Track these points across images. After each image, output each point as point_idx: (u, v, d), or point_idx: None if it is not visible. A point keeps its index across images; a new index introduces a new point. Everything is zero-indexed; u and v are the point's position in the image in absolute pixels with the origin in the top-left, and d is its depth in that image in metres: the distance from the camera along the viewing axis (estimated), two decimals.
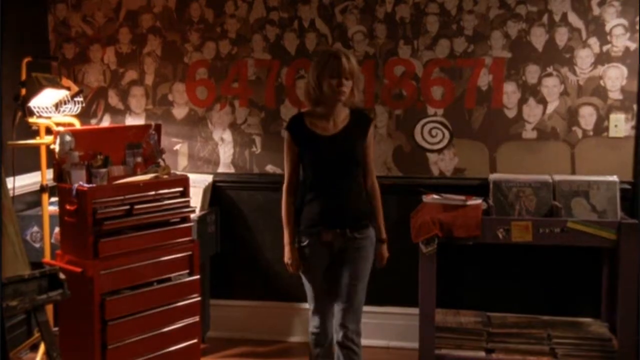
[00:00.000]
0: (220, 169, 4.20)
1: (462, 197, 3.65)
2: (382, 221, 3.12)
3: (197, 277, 3.58)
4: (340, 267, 3.02)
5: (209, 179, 4.12)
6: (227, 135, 4.18)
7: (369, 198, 3.09)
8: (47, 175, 3.64)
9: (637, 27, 3.71)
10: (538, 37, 3.82)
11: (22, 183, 3.81)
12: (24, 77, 3.52)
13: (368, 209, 3.06)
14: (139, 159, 3.62)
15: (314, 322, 3.08)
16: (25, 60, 3.55)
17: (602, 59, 3.77)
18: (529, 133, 3.88)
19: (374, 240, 3.07)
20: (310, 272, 3.05)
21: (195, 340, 3.56)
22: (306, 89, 3.02)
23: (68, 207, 3.24)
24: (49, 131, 3.58)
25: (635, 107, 3.76)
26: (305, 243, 3.00)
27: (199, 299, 3.58)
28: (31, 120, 3.53)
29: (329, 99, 2.93)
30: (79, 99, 3.75)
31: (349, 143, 2.97)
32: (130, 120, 4.24)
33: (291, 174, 3.05)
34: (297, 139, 3.00)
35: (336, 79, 2.88)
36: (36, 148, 3.66)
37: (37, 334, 3.65)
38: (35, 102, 3.50)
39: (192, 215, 3.65)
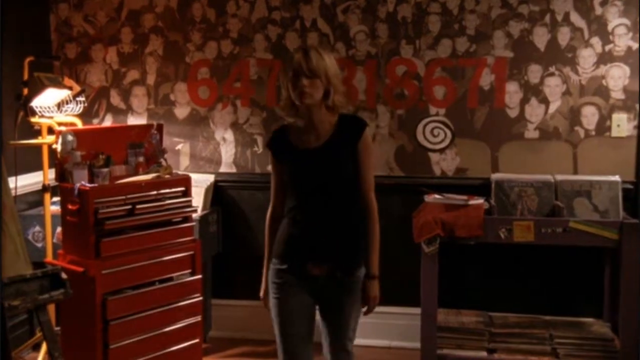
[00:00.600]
0: (222, 169, 4.20)
1: (464, 197, 3.64)
2: (376, 253, 2.56)
3: (199, 276, 3.58)
4: (325, 315, 2.59)
5: (210, 178, 4.12)
6: (229, 135, 4.18)
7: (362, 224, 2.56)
8: (49, 175, 3.64)
9: (638, 27, 3.71)
10: (540, 37, 3.81)
11: (24, 183, 3.80)
12: (26, 76, 3.52)
13: (362, 241, 2.55)
14: (141, 159, 3.62)
15: None
16: (28, 60, 3.55)
17: (605, 58, 3.76)
18: (531, 133, 3.87)
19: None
20: (279, 304, 2.55)
21: (197, 340, 3.56)
22: (281, 98, 2.59)
23: (70, 206, 3.25)
24: (51, 131, 3.58)
25: (637, 106, 3.75)
26: (283, 267, 2.54)
27: (200, 298, 3.58)
28: (33, 120, 3.54)
29: (300, 107, 2.48)
30: (81, 98, 3.75)
31: (332, 158, 2.49)
32: (132, 120, 4.25)
33: (276, 197, 2.63)
34: (279, 155, 2.59)
35: (294, 80, 2.44)
36: (38, 148, 3.66)
37: (39, 334, 3.65)
38: (37, 102, 3.50)
39: (194, 215, 3.66)
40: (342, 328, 2.58)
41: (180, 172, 3.98)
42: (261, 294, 2.69)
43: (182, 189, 3.55)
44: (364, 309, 2.62)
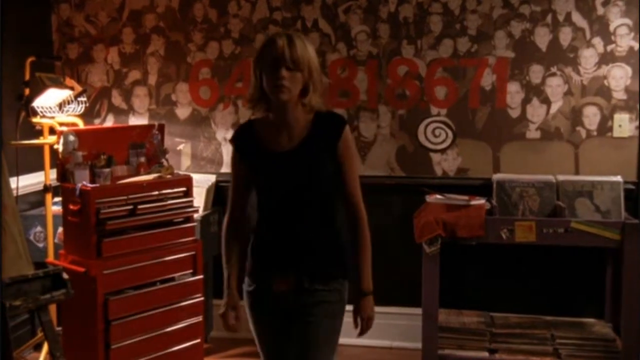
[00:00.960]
0: (223, 169, 4.20)
1: (466, 197, 3.64)
2: (368, 266, 2.25)
3: (200, 277, 3.59)
4: (291, 332, 2.23)
5: (212, 178, 4.12)
6: (230, 135, 4.17)
7: (351, 235, 2.26)
8: (51, 175, 3.64)
9: (638, 28, 3.71)
10: (542, 37, 3.81)
11: (25, 183, 3.80)
12: (27, 77, 3.53)
13: (340, 253, 2.25)
14: (142, 159, 3.63)
15: None
16: (29, 60, 3.56)
17: (606, 58, 3.76)
18: (532, 133, 3.87)
19: (345, 297, 2.25)
20: (258, 330, 2.33)
21: (198, 340, 3.57)
22: (249, 90, 2.25)
23: (71, 206, 3.25)
24: (52, 131, 3.58)
25: (639, 107, 3.74)
26: (251, 288, 2.32)
27: (202, 299, 3.58)
28: (35, 120, 3.54)
29: (273, 101, 2.17)
30: (83, 98, 3.75)
31: (309, 161, 2.18)
32: (134, 120, 4.25)
33: (234, 202, 2.30)
34: (244, 154, 2.27)
35: (272, 69, 2.11)
36: (40, 148, 3.67)
37: (40, 334, 3.65)
38: (39, 102, 3.51)
39: (195, 215, 3.66)
40: (306, 345, 2.20)
41: (181, 173, 3.97)
42: (220, 311, 2.37)
43: (184, 189, 3.55)
44: (357, 330, 2.28)
